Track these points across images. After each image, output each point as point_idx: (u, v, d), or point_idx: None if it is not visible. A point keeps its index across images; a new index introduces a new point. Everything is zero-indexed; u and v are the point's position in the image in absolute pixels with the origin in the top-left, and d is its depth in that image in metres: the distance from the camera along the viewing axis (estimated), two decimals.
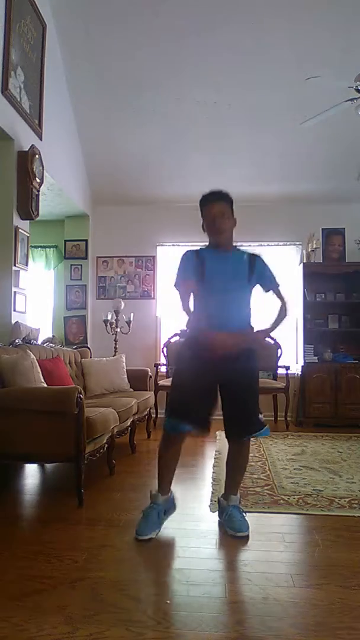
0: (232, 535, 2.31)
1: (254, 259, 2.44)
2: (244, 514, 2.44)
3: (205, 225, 2.42)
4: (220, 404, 2.39)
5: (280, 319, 2.44)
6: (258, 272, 2.41)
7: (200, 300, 2.40)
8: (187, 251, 2.46)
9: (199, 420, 2.32)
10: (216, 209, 2.37)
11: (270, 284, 2.45)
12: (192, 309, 2.39)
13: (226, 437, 2.44)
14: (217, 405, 2.38)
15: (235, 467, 2.51)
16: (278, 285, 2.46)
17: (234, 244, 2.47)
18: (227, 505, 2.45)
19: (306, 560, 2.09)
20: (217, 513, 2.56)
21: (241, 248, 2.50)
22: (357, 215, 6.08)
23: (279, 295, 2.46)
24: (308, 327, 5.77)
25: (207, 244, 2.47)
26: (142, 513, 2.38)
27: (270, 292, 2.46)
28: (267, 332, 2.41)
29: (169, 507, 2.46)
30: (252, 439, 2.48)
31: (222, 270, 2.38)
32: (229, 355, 2.26)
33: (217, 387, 2.36)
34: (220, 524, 2.45)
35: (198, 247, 2.48)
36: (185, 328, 2.46)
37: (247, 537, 2.29)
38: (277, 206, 6.14)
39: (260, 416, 2.42)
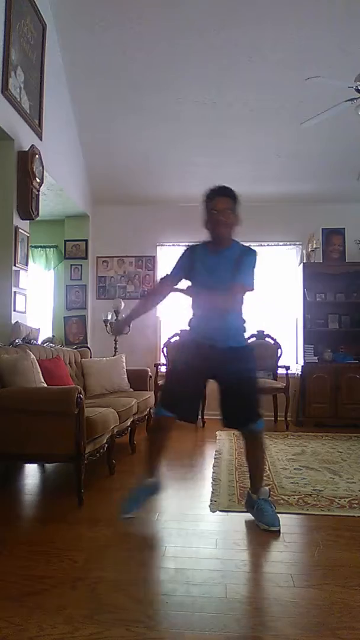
0: (265, 530, 2.32)
1: (244, 253, 2.40)
2: (273, 507, 2.45)
3: (208, 219, 2.41)
4: (219, 398, 2.47)
5: (225, 300, 2.36)
6: (239, 265, 2.36)
7: (192, 301, 2.49)
8: (187, 249, 2.52)
9: (185, 412, 2.44)
10: (224, 203, 2.37)
11: (238, 276, 2.34)
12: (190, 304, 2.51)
13: (224, 426, 2.50)
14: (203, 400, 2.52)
15: (253, 461, 2.54)
16: (246, 284, 2.35)
17: (238, 241, 2.47)
18: (256, 499, 2.46)
19: (306, 560, 2.09)
20: (217, 512, 2.57)
21: (242, 244, 2.46)
22: (357, 215, 6.07)
23: (237, 288, 2.35)
24: (308, 327, 5.77)
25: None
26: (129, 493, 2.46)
27: (236, 284, 2.34)
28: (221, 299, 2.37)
29: (155, 489, 2.53)
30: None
31: (210, 271, 2.40)
32: (225, 356, 2.36)
33: (206, 383, 2.48)
34: (221, 524, 2.45)
35: (199, 242, 2.50)
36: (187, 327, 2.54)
37: (278, 532, 2.29)
38: (277, 206, 6.14)
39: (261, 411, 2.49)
